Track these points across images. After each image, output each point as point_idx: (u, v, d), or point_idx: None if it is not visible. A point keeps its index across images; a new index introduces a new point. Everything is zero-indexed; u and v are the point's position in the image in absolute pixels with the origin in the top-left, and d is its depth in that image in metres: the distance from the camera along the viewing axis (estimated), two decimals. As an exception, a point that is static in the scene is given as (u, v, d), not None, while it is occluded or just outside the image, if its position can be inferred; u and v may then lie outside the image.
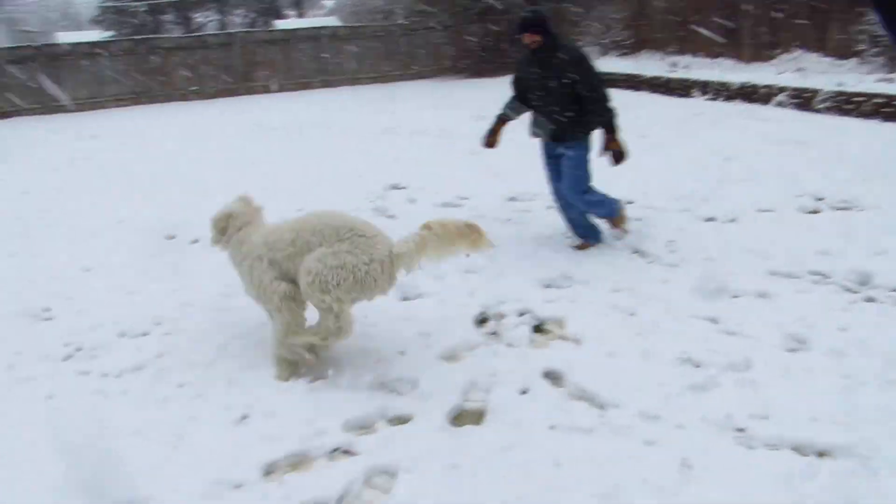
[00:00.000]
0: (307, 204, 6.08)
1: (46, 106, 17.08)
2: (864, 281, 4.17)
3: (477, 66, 21.53)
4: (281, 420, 3.06)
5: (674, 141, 8.61)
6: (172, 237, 5.94)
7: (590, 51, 16.98)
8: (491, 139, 5.07)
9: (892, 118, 8.81)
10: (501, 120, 5.06)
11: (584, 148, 4.81)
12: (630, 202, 6.08)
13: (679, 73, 13.17)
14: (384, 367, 3.43)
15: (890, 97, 8.95)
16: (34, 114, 16.78)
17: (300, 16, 46.49)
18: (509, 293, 4.27)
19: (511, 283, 4.47)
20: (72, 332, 4.12)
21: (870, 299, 3.95)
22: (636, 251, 4.95)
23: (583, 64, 4.60)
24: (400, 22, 22.45)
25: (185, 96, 18.49)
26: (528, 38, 4.61)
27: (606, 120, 4.71)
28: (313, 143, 10.31)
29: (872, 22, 10.51)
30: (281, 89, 19.38)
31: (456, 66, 21.67)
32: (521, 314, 4.02)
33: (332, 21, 36.15)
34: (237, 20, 47.57)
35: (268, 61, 19.41)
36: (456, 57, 21.56)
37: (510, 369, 3.39)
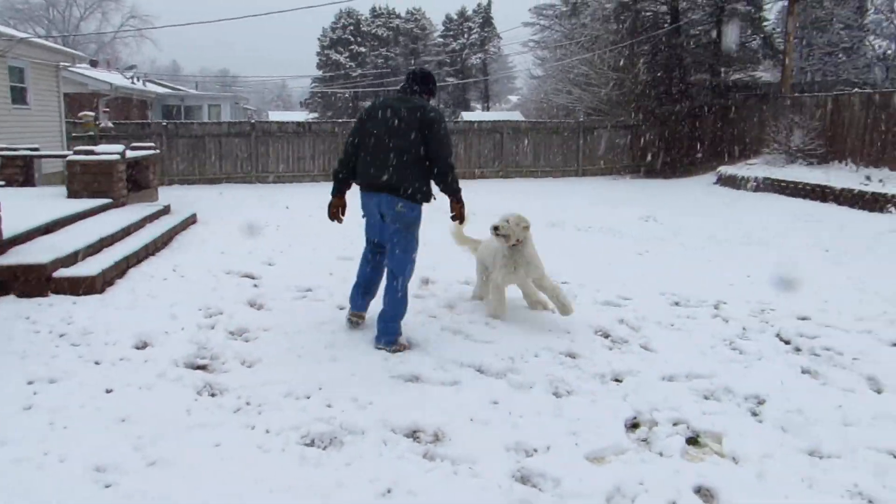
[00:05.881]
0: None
1: (250, 175, 19.91)
2: None
3: (653, 166, 21.54)
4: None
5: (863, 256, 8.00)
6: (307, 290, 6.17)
7: (773, 159, 16.28)
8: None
9: None
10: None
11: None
12: (805, 318, 5.72)
13: (873, 187, 12.15)
14: (528, 461, 3.45)
15: None
16: (242, 181, 19.73)
17: (485, 109, 49.44)
18: (664, 401, 4.16)
19: (667, 390, 4.35)
20: (244, 386, 4.26)
21: None
22: (806, 371, 4.63)
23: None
24: (581, 120, 22.98)
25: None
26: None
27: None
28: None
29: None
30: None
31: (631, 165, 21.93)
32: (675, 424, 3.90)
33: (516, 116, 38.05)
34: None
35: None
36: (634, 157, 21.95)
37: (659, 480, 3.29)
